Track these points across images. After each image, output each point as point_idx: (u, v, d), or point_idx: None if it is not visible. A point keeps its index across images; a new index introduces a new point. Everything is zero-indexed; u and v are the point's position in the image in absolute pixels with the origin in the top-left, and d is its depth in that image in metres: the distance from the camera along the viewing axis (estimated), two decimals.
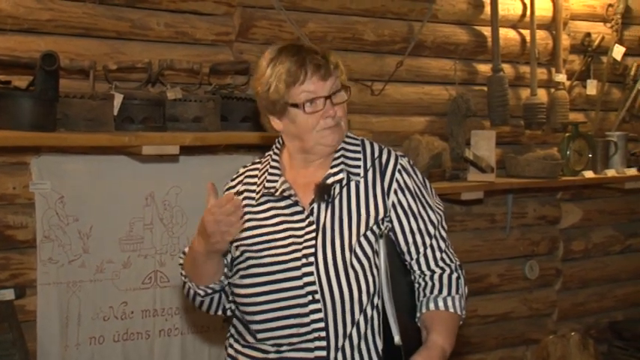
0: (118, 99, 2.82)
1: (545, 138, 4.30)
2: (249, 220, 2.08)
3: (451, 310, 2.07)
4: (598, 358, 4.29)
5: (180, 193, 3.21)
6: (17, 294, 2.89)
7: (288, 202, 2.07)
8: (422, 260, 2.10)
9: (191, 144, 2.91)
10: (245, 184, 2.17)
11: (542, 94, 4.19)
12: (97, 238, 3.04)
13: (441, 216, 2.14)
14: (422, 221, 2.10)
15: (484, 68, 4.04)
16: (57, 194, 2.95)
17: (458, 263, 2.14)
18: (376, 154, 2.12)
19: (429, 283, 2.10)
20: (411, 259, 2.11)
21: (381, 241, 2.04)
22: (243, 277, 2.07)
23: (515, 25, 4.14)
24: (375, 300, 2.04)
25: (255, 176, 2.15)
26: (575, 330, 4.37)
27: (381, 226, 2.06)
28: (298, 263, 2.01)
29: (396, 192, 2.08)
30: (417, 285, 2.12)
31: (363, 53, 3.68)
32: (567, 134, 4.20)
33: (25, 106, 2.58)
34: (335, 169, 2.08)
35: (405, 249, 2.10)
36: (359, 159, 2.11)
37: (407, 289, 2.12)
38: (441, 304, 2.08)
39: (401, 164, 2.11)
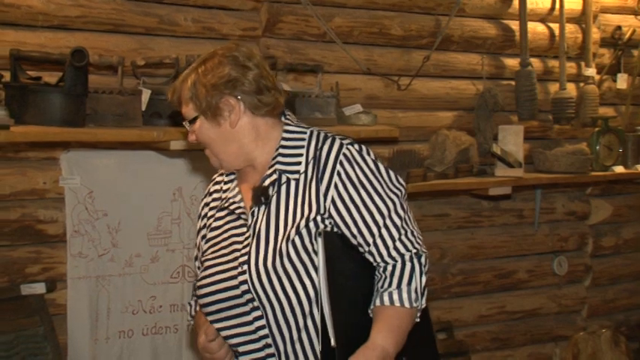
0: (146, 94, 2.84)
1: (575, 133, 4.26)
2: (209, 231, 2.12)
3: (397, 304, 1.93)
4: (630, 356, 4.24)
5: None
6: (48, 288, 2.93)
7: (237, 210, 2.07)
8: (374, 252, 1.98)
9: None
10: (215, 189, 2.20)
11: (571, 89, 4.15)
12: (126, 232, 3.06)
13: (394, 202, 1.99)
14: (367, 211, 1.97)
15: (512, 63, 4.01)
16: (86, 189, 2.98)
17: (414, 251, 1.97)
18: (318, 146, 2.02)
19: (382, 276, 1.98)
20: (364, 252, 1.99)
21: (319, 240, 1.94)
22: (199, 287, 2.07)
23: (543, 19, 4.11)
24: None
25: (221, 182, 2.19)
26: (605, 327, 4.33)
27: (319, 224, 1.96)
28: (235, 272, 2.00)
29: (336, 185, 1.98)
30: (375, 279, 2.01)
31: (389, 48, 3.67)
32: (597, 129, 4.15)
33: (54, 102, 2.61)
34: (270, 170, 2.03)
35: (355, 242, 1.99)
36: (300, 155, 2.03)
37: (356, 287, 1.99)
38: (386, 298, 1.94)
39: (344, 154, 1.99)
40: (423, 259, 1.99)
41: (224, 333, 2.02)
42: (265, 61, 2.10)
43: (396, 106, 3.70)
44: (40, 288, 2.92)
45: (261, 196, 2.01)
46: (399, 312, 1.95)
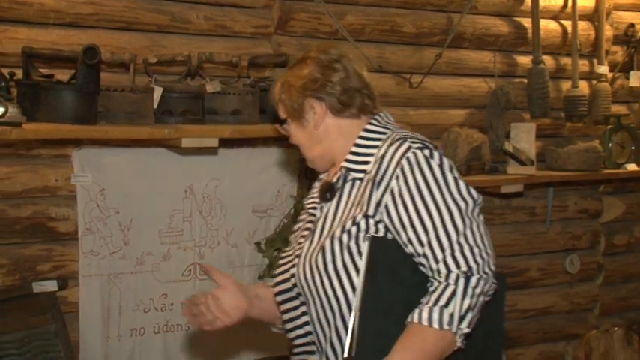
0: (158, 92, 2.83)
1: (587, 130, 4.24)
2: (298, 222, 2.20)
3: (425, 322, 1.81)
4: None
5: (218, 185, 3.22)
6: (60, 285, 2.93)
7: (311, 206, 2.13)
8: (424, 262, 1.88)
9: (230, 137, 2.92)
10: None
11: (583, 86, 4.13)
12: (138, 230, 3.06)
13: (451, 214, 1.87)
14: (418, 219, 1.87)
15: (524, 60, 3.99)
16: (98, 187, 2.98)
17: (464, 270, 1.83)
18: (386, 148, 1.96)
19: (428, 292, 1.87)
20: (418, 262, 1.90)
21: (366, 243, 1.89)
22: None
23: (556, 16, 4.08)
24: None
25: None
26: (617, 325, 4.31)
27: (367, 227, 1.91)
28: (289, 266, 2.06)
29: (392, 190, 1.90)
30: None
31: (401, 45, 3.65)
32: (609, 127, 4.13)
33: (66, 100, 2.61)
34: (338, 168, 2.04)
35: (408, 251, 1.90)
36: (371, 155, 1.99)
37: (398, 297, 1.89)
38: (415, 315, 1.83)
39: (407, 157, 1.90)
40: (473, 281, 1.83)
41: (288, 325, 2.07)
42: (359, 62, 2.07)
43: (407, 104, 3.69)
44: (51, 286, 2.92)
45: (326, 193, 2.03)
46: (425, 332, 1.82)
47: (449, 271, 1.84)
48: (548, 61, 4.00)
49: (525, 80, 3.95)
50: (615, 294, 4.46)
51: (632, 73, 4.29)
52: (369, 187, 1.94)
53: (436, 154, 1.92)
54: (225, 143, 3.03)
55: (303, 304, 2.02)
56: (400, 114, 3.60)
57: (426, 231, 1.87)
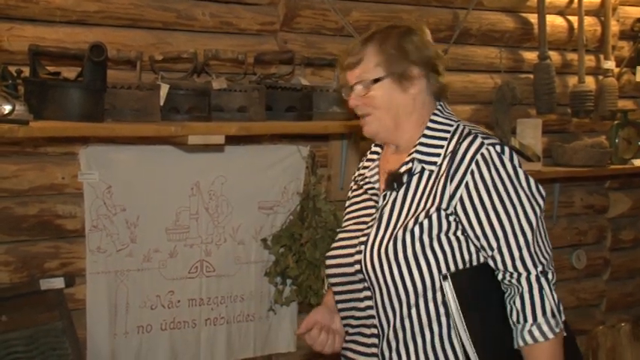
0: (164, 89, 2.83)
1: (593, 126, 4.24)
2: (349, 205, 2.18)
3: (540, 339, 1.89)
4: None
5: (225, 182, 3.22)
6: (67, 282, 2.94)
7: (370, 190, 2.11)
8: (497, 258, 1.92)
9: (236, 134, 2.91)
10: (364, 165, 2.21)
11: (590, 82, 4.12)
12: (144, 227, 3.07)
13: (525, 211, 1.90)
14: (494, 214, 1.90)
15: (530, 56, 3.99)
16: (105, 184, 2.98)
17: (540, 269, 1.89)
18: (459, 141, 1.96)
19: (513, 308, 1.92)
20: (487, 256, 1.94)
21: (447, 283, 1.91)
22: (326, 259, 2.16)
23: (562, 12, 4.08)
24: (435, 299, 1.94)
25: (370, 159, 2.19)
26: (624, 321, 4.31)
27: (441, 220, 1.92)
28: (352, 251, 2.04)
29: (467, 184, 1.91)
30: (505, 300, 1.96)
31: None
32: (616, 122, 4.13)
33: (73, 97, 2.61)
34: (408, 157, 2.01)
35: (478, 245, 1.94)
36: (441, 146, 1.98)
37: (493, 318, 1.95)
38: (528, 338, 1.90)
39: (482, 154, 1.91)
40: (550, 276, 1.91)
41: (340, 306, 2.08)
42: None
43: None
44: (58, 283, 2.93)
45: (394, 182, 2.02)
46: (548, 347, 1.90)
47: (528, 272, 1.90)
48: (554, 56, 4.00)
49: (531, 76, 3.94)
50: (622, 289, 4.45)
51: (638, 68, 4.28)
52: (442, 180, 1.94)
53: (507, 150, 1.94)
54: (232, 140, 3.03)
55: (366, 289, 2.03)
56: None
57: (502, 227, 1.90)
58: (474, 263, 1.96)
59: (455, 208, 1.93)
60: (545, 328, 1.89)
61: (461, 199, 1.92)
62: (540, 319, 1.89)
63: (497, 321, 1.95)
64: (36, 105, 2.58)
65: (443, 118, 2.04)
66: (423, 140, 2.01)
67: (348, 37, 3.41)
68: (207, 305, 3.22)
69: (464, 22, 3.71)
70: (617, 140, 4.09)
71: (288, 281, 3.32)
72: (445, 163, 1.96)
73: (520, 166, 1.95)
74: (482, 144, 1.93)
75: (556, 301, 1.91)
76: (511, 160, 1.93)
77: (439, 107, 2.06)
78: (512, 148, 1.96)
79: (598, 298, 4.38)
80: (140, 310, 3.08)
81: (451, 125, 2.02)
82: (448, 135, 2.00)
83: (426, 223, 1.94)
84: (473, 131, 1.98)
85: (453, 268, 1.94)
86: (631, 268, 4.48)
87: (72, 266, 2.98)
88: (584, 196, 4.28)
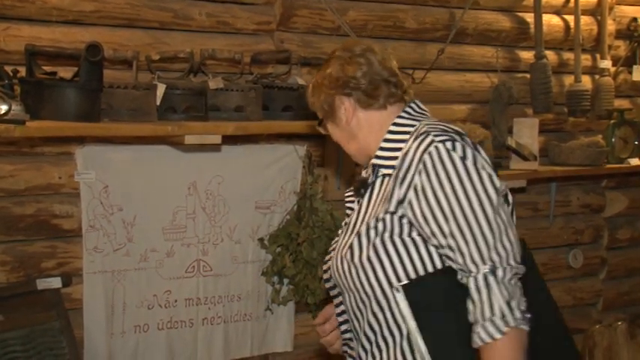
0: (161, 89, 2.83)
1: (590, 125, 4.24)
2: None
3: (488, 340, 1.82)
4: None
5: (222, 182, 3.22)
6: (64, 282, 2.93)
7: (349, 197, 2.18)
8: (450, 255, 1.88)
9: (233, 133, 2.92)
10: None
11: (586, 81, 4.12)
12: (141, 227, 3.07)
13: (472, 207, 1.86)
14: (441, 213, 1.87)
15: (527, 55, 3.99)
16: (101, 184, 2.98)
17: (489, 265, 1.83)
18: (411, 142, 1.95)
19: (468, 303, 1.87)
20: (442, 254, 1.91)
21: (399, 294, 1.90)
22: None
23: (558, 11, 4.08)
24: (389, 307, 1.94)
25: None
26: (620, 320, 4.31)
27: (393, 223, 1.93)
28: (328, 258, 2.16)
29: (415, 185, 1.90)
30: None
31: (404, 41, 3.65)
32: (612, 121, 4.13)
33: (69, 97, 2.61)
34: (369, 164, 2.07)
35: (434, 241, 1.90)
36: (399, 149, 1.99)
37: (452, 323, 1.90)
38: (476, 339, 1.84)
39: (429, 152, 1.89)
40: (499, 274, 1.83)
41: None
42: (385, 53, 2.08)
43: None
44: (55, 282, 2.93)
45: (360, 188, 2.07)
46: (498, 347, 1.82)
47: (477, 270, 1.84)
48: (550, 56, 4.00)
49: (528, 75, 3.95)
50: (618, 289, 4.46)
51: (635, 67, 4.28)
52: (392, 182, 1.95)
53: (458, 146, 1.89)
54: (229, 140, 3.04)
55: (339, 294, 2.10)
56: None
57: (449, 224, 1.86)
58: (438, 266, 1.92)
59: (405, 211, 1.92)
60: (491, 329, 1.81)
61: (410, 202, 1.91)
62: (487, 319, 1.82)
63: (460, 323, 1.88)
64: (32, 105, 2.58)
65: (408, 119, 2.04)
66: (383, 145, 2.03)
67: (344, 37, 3.42)
68: (205, 305, 3.23)
69: (460, 22, 3.72)
70: (613, 139, 4.10)
71: (285, 281, 3.32)
72: (398, 164, 1.96)
73: (474, 163, 1.89)
74: (431, 142, 1.90)
75: (506, 298, 1.82)
76: (463, 156, 1.88)
77: (408, 109, 2.06)
78: (473, 145, 1.92)
79: (594, 297, 4.39)
80: (137, 309, 3.08)
81: (413, 126, 2.02)
82: (407, 137, 2.00)
83: (380, 226, 1.94)
84: (430, 129, 1.95)
85: (411, 270, 1.92)
86: (627, 268, 4.49)
87: (69, 266, 2.98)
88: (581, 196, 4.29)
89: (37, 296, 2.89)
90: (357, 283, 1.97)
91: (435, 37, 3.71)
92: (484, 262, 1.84)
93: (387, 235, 1.93)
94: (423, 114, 2.07)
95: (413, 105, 2.07)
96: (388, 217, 1.93)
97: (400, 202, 1.92)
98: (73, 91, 2.61)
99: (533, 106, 3.95)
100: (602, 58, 4.14)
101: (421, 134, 1.95)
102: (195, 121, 2.89)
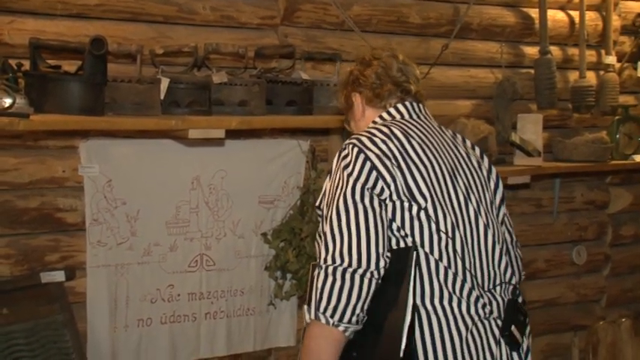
0: (165, 83, 2.83)
1: (594, 121, 4.23)
2: None
3: (306, 320, 2.07)
4: None
5: (225, 176, 3.23)
6: (67, 276, 2.94)
7: None
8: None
9: (237, 128, 2.91)
10: None
11: (591, 77, 4.11)
12: (145, 221, 3.07)
13: (328, 206, 2.09)
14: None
15: (531, 51, 3.98)
16: (105, 178, 2.99)
17: (322, 264, 2.03)
18: None
19: None
20: None
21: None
22: None
23: (563, 7, 4.07)
24: None
25: None
26: (624, 316, 4.31)
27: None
28: None
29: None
30: None
31: (408, 36, 3.65)
32: (617, 117, 4.12)
33: (74, 91, 2.61)
34: None
35: None
36: None
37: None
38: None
39: (338, 151, 2.17)
40: (317, 271, 2.04)
41: None
42: (405, 59, 2.35)
43: None
44: (59, 276, 2.93)
45: None
46: (309, 327, 2.05)
47: (318, 263, 2.06)
48: (555, 51, 3.99)
49: (532, 71, 3.94)
50: (622, 285, 4.45)
51: (639, 63, 4.27)
52: None
53: (343, 153, 2.12)
54: (232, 134, 3.03)
55: None
56: None
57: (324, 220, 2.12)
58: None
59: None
60: (305, 315, 2.06)
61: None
62: (305, 306, 2.06)
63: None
64: (36, 98, 2.58)
65: (380, 121, 2.26)
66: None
67: (348, 32, 3.42)
68: (207, 299, 3.23)
69: (465, 17, 3.71)
70: (618, 136, 4.09)
71: (288, 275, 3.32)
72: None
73: (345, 168, 2.09)
74: (339, 151, 2.16)
75: (318, 297, 2.00)
76: (338, 160, 2.13)
77: (390, 110, 2.27)
78: (364, 150, 2.10)
79: (598, 293, 4.38)
80: (140, 303, 3.09)
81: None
82: None
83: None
84: (361, 132, 2.19)
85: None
86: (631, 264, 4.48)
87: (72, 259, 2.98)
88: (585, 192, 4.28)
89: (40, 290, 2.89)
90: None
91: (439, 33, 3.70)
92: (319, 258, 2.08)
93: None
94: (402, 115, 2.27)
95: (399, 106, 2.27)
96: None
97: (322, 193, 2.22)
98: (77, 85, 2.61)
99: (537, 101, 3.94)
100: (607, 53, 4.13)
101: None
102: (198, 115, 2.88)
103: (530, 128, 3.81)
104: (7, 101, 2.48)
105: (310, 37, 3.38)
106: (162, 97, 2.83)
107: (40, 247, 2.93)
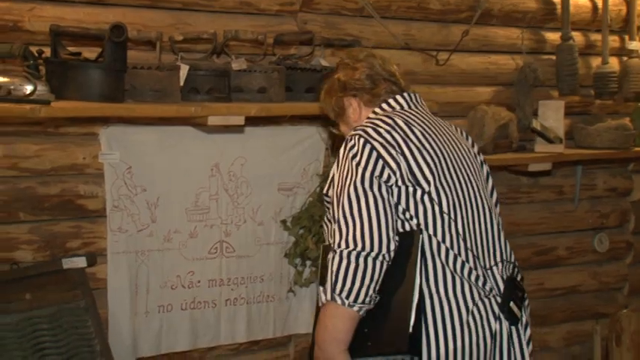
0: (184, 70, 2.84)
1: (617, 108, 4.19)
2: None
3: (322, 301, 2.19)
4: None
5: (245, 163, 3.23)
6: (89, 262, 2.96)
7: None
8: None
9: (256, 114, 2.92)
10: None
11: (614, 63, 4.07)
12: (165, 208, 3.08)
13: (337, 196, 2.20)
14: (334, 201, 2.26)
15: (553, 37, 3.94)
16: (125, 164, 3.00)
17: (337, 250, 2.15)
18: None
19: None
20: None
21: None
22: None
23: None
24: None
25: None
26: None
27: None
28: None
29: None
30: None
31: (428, 22, 3.62)
32: None
33: (94, 77, 2.62)
34: None
35: None
36: None
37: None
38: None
39: (343, 144, 2.28)
40: (330, 255, 2.16)
41: None
42: (382, 57, 2.46)
43: (434, 82, 3.66)
44: (80, 262, 2.96)
45: None
46: (325, 307, 2.18)
47: (333, 249, 2.17)
48: (577, 37, 3.95)
49: (554, 57, 3.90)
50: None
51: None
52: None
53: (350, 143, 2.24)
54: (252, 121, 3.03)
55: None
56: (426, 92, 3.57)
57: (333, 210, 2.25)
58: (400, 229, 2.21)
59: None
60: (322, 295, 2.19)
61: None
62: (321, 287, 2.22)
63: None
64: (57, 85, 2.60)
65: (373, 115, 2.37)
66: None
67: (368, 18, 3.40)
68: (227, 286, 3.24)
69: (485, 3, 3.68)
70: None
71: (308, 262, 3.33)
72: None
73: (354, 158, 2.20)
74: (345, 141, 2.27)
75: (334, 279, 2.13)
76: (350, 148, 2.23)
77: (383, 105, 2.39)
78: (370, 141, 2.22)
79: (621, 281, 4.35)
80: (161, 289, 3.11)
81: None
82: None
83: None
84: (362, 125, 2.30)
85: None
86: None
87: (93, 246, 3.00)
88: (607, 179, 4.25)
89: (62, 275, 2.92)
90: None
91: (459, 19, 3.68)
92: (333, 243, 2.20)
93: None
94: (397, 107, 2.38)
95: (396, 98, 2.39)
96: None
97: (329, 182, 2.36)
98: (97, 72, 2.63)
99: (559, 88, 3.91)
100: (631, 39, 4.08)
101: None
102: (218, 102, 2.89)
103: (552, 115, 3.78)
104: (29, 88, 2.50)
105: (329, 24, 3.37)
106: (181, 84, 2.84)
107: (62, 233, 2.96)
